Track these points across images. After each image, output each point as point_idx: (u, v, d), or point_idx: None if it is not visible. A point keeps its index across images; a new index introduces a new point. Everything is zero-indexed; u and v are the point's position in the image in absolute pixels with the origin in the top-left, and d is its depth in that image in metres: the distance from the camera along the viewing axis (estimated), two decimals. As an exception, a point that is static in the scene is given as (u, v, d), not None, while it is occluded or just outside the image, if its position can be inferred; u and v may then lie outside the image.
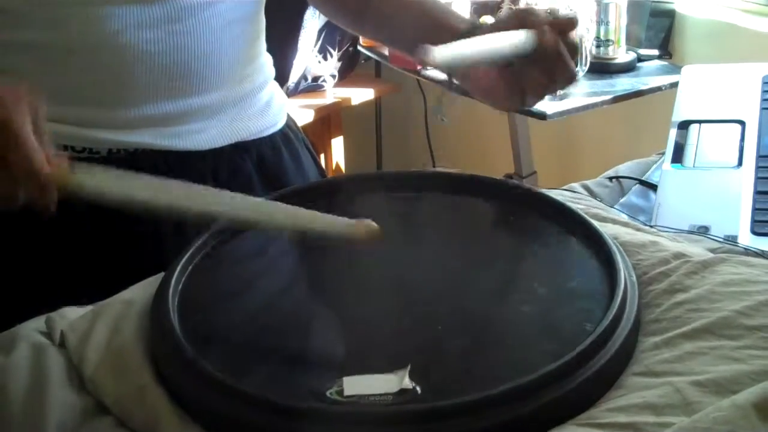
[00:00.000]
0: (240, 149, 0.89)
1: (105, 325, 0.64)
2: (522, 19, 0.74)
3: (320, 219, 0.61)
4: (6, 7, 0.76)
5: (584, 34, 1.80)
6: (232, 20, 0.85)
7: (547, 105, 1.67)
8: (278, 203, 0.66)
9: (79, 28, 0.77)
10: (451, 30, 0.81)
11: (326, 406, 0.53)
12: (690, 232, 0.77)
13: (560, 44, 0.72)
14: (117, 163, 0.81)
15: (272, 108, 0.94)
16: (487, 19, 2.14)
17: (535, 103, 0.77)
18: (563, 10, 0.78)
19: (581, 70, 1.79)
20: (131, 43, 0.78)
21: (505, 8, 2.16)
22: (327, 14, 1.02)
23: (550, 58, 0.72)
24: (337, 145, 2.44)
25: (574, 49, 0.74)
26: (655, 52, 1.94)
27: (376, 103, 2.63)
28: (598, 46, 1.88)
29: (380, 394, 0.53)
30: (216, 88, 0.85)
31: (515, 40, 0.71)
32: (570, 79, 0.74)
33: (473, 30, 0.80)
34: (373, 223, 0.60)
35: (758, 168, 0.88)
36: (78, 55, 0.78)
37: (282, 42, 2.09)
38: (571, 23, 0.74)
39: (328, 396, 0.53)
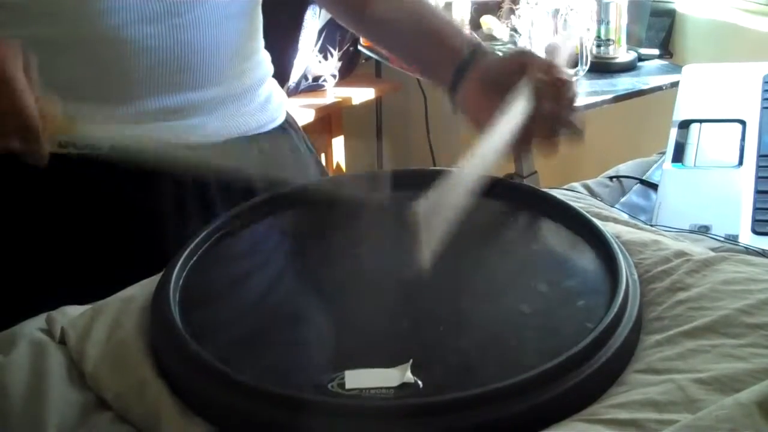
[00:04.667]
0: (241, 144, 0.89)
1: (105, 321, 0.64)
2: (521, 66, 0.76)
3: None
4: (7, 2, 0.76)
5: (584, 35, 1.80)
6: (229, 15, 0.85)
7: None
8: None
9: (79, 22, 0.77)
10: (452, 54, 0.83)
11: (327, 398, 0.53)
12: (691, 231, 0.77)
13: (558, 102, 0.74)
14: (118, 159, 0.82)
15: (271, 104, 0.94)
16: (488, 20, 2.14)
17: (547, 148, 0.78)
18: (563, 52, 0.80)
19: (582, 70, 1.79)
20: (132, 38, 0.78)
21: (505, 8, 2.16)
22: (331, 12, 1.02)
23: (550, 116, 0.75)
24: (338, 144, 2.43)
25: (573, 101, 0.76)
26: (656, 51, 1.94)
27: (377, 103, 2.63)
28: (598, 46, 1.88)
29: (382, 388, 0.53)
30: (215, 83, 0.86)
31: (517, 119, 0.72)
32: (572, 129, 0.76)
33: (473, 59, 0.82)
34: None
35: (759, 167, 0.88)
36: (78, 50, 0.78)
37: (282, 41, 2.09)
38: (566, 82, 0.76)
39: (330, 389, 0.53)
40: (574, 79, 0.81)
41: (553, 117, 0.75)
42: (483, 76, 0.81)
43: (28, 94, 0.61)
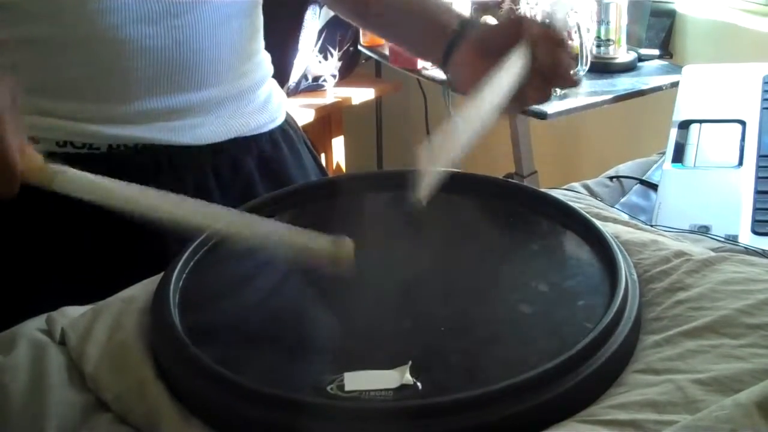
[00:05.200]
0: (240, 144, 0.89)
1: (105, 322, 0.64)
2: (516, 28, 0.75)
3: (297, 236, 0.60)
4: (6, 2, 0.76)
5: (584, 35, 1.80)
6: (229, 16, 0.85)
7: (547, 105, 1.67)
8: (256, 217, 0.64)
9: (77, 22, 0.77)
10: (443, 29, 0.83)
11: (326, 400, 0.53)
12: (691, 231, 0.77)
13: (555, 57, 0.73)
14: (117, 159, 0.82)
15: (271, 104, 0.94)
16: (488, 20, 2.14)
17: (538, 104, 0.77)
18: (557, 17, 0.80)
19: (582, 70, 1.79)
20: (130, 38, 0.78)
21: (506, 8, 2.16)
22: (331, 7, 1.03)
23: (547, 71, 0.73)
24: (338, 144, 2.44)
25: (569, 56, 0.75)
26: (656, 51, 1.94)
27: (377, 103, 2.63)
28: (598, 46, 1.88)
29: (381, 390, 0.53)
30: (215, 83, 0.85)
31: (514, 73, 0.71)
32: (570, 83, 0.77)
33: (465, 29, 0.82)
34: (350, 244, 0.58)
35: (759, 168, 0.88)
36: (77, 50, 0.78)
37: (282, 42, 2.09)
38: (562, 40, 0.75)
39: (329, 391, 0.53)
40: (567, 38, 0.81)
41: (548, 72, 0.74)
42: (476, 41, 0.80)
43: (13, 136, 0.60)
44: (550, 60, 0.73)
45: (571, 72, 0.75)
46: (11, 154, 0.60)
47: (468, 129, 0.65)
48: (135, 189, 0.62)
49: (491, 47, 0.76)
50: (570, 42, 1.76)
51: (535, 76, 0.73)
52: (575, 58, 1.75)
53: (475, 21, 0.84)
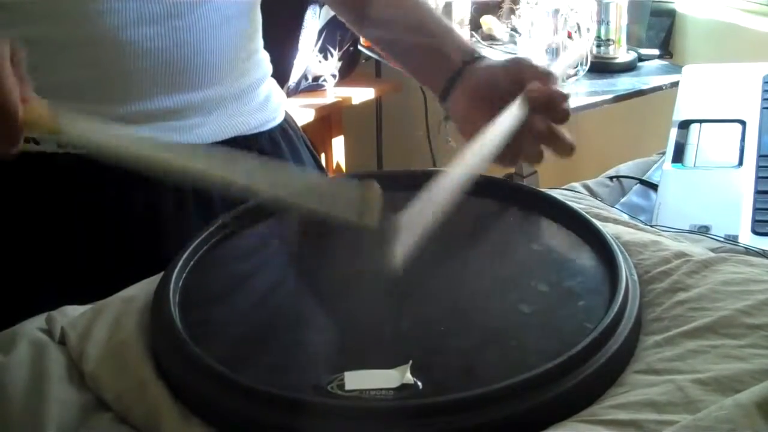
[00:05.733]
0: (240, 144, 0.89)
1: (105, 321, 0.64)
2: (516, 77, 0.75)
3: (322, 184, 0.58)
4: (6, 2, 0.76)
5: (584, 35, 1.80)
6: (229, 16, 0.85)
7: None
8: (276, 167, 0.63)
9: (78, 23, 0.77)
10: (446, 64, 0.83)
11: (327, 399, 0.52)
12: (691, 231, 0.77)
13: (550, 126, 0.74)
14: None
15: (270, 104, 0.94)
16: (488, 20, 2.14)
17: (531, 162, 0.77)
18: (558, 68, 0.79)
19: (582, 70, 1.80)
20: (131, 39, 0.79)
21: (505, 8, 2.16)
22: (333, 9, 1.03)
23: (542, 136, 0.74)
24: (338, 144, 2.44)
25: (566, 119, 0.75)
26: (656, 51, 1.95)
27: (377, 103, 2.63)
28: (598, 46, 1.88)
29: (381, 389, 0.53)
30: (215, 83, 0.86)
31: (509, 128, 0.71)
32: (564, 150, 0.75)
33: (467, 63, 0.82)
34: (377, 188, 0.58)
35: (759, 168, 0.88)
36: (77, 51, 0.78)
37: (282, 42, 2.09)
38: (562, 97, 0.74)
39: (329, 390, 0.53)
40: (570, 80, 0.80)
41: (543, 133, 0.74)
42: (475, 87, 0.80)
43: (12, 81, 0.59)
44: (544, 122, 0.73)
45: (567, 140, 0.75)
46: (12, 102, 0.58)
47: (455, 185, 0.65)
48: (145, 140, 0.61)
49: (488, 96, 0.77)
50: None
51: (529, 135, 0.73)
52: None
53: (479, 56, 0.83)
